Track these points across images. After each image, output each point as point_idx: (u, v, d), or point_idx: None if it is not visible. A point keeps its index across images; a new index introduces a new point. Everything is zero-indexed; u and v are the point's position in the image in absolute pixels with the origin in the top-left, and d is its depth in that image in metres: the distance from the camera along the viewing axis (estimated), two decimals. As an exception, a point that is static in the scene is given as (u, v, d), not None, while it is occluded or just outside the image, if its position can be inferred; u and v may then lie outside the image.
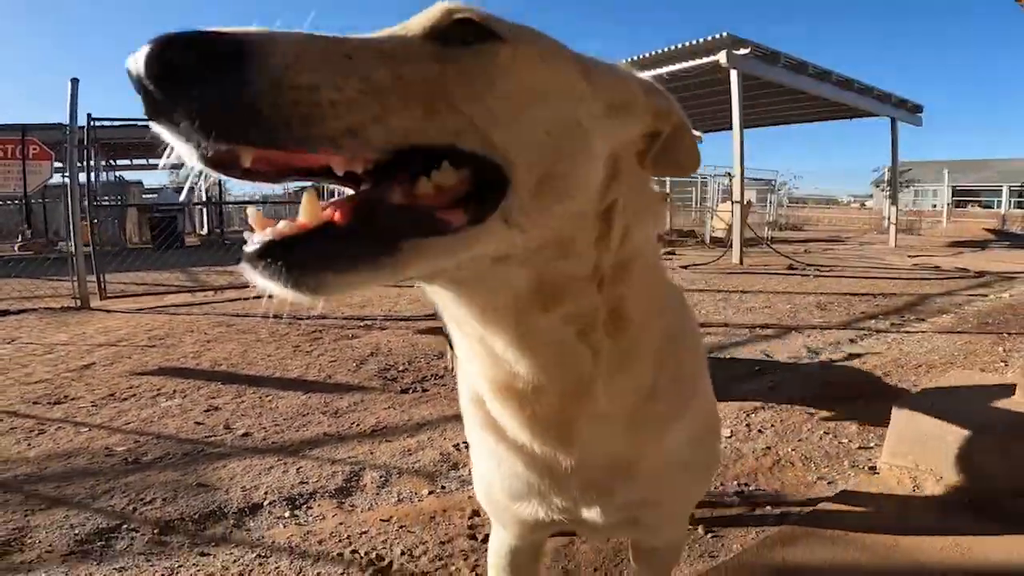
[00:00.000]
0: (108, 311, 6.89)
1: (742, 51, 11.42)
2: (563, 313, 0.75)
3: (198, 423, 3.23)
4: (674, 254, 12.01)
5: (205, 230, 18.47)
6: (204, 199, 17.33)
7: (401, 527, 2.24)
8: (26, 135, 7.94)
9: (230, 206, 18.04)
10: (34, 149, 7.82)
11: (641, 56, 12.89)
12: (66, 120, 7.32)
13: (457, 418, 3.00)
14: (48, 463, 2.72)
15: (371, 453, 2.88)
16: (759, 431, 3.12)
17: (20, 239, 12.31)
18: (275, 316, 5.48)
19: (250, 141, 0.52)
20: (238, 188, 24.91)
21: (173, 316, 6.44)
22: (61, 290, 7.97)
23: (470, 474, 2.70)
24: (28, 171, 7.78)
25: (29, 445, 2.94)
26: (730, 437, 3.05)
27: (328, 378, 4.03)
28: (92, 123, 7.55)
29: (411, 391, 3.80)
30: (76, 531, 2.13)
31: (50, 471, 2.64)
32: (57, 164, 8.59)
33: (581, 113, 0.71)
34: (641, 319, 0.82)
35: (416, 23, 0.65)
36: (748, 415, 3.33)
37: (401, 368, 4.28)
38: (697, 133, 0.92)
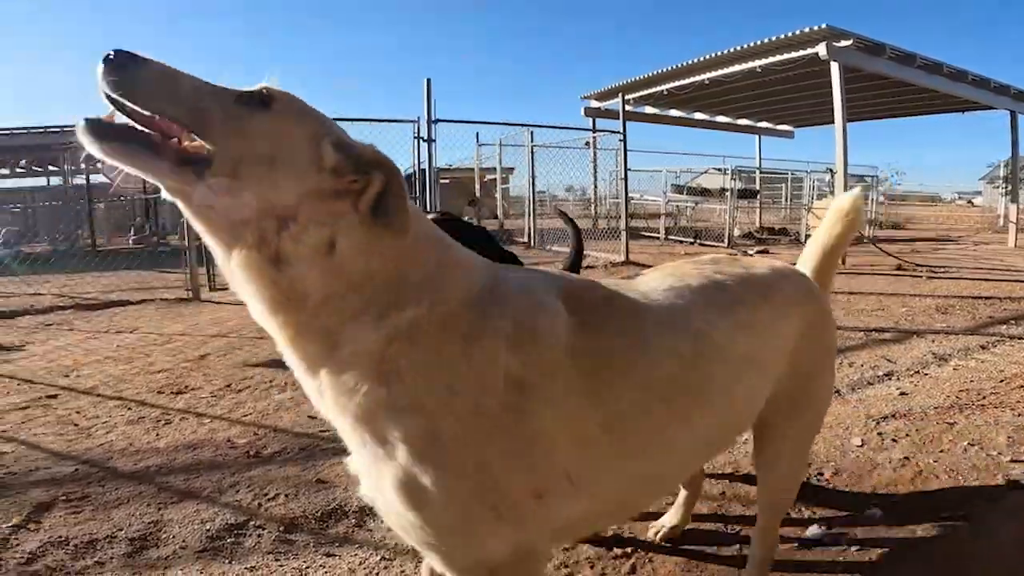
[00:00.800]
0: (217, 302, 7.22)
1: (843, 43, 10.82)
2: (255, 266, 0.99)
3: (311, 417, 3.28)
4: (768, 253, 11.49)
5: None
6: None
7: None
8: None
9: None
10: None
11: (733, 50, 12.44)
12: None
13: None
14: (176, 454, 2.82)
15: None
16: (893, 440, 2.89)
17: (134, 233, 13.15)
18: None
19: (132, 98, 0.93)
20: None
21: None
22: (174, 282, 8.44)
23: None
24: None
25: (158, 435, 3.07)
26: (861, 446, 2.83)
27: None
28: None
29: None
30: (207, 526, 2.18)
31: (179, 462, 2.74)
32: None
33: (283, 155, 0.99)
34: (319, 302, 1.00)
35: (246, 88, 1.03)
36: (878, 423, 3.09)
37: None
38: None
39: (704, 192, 16.30)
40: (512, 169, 16.94)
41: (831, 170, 12.88)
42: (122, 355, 4.81)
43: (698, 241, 13.36)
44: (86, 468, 2.67)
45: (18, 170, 21.25)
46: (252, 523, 2.21)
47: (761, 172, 19.44)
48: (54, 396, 3.77)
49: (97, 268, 9.66)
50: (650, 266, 8.68)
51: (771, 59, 11.77)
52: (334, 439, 2.81)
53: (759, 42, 11.87)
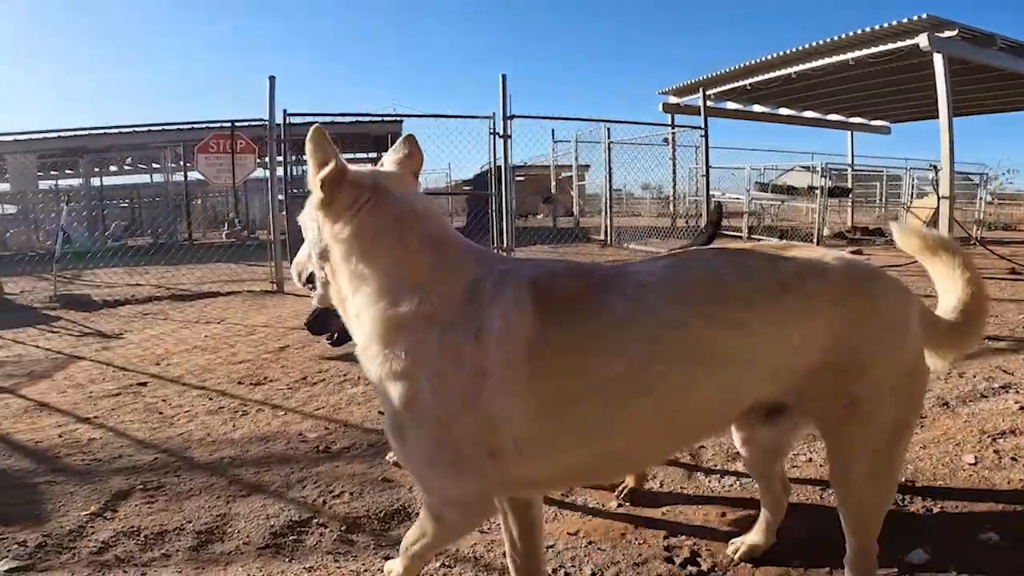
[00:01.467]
0: (299, 295, 7.45)
1: (947, 33, 10.07)
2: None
3: (381, 412, 3.30)
4: (862, 254, 10.78)
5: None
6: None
7: (590, 543, 2.08)
8: (235, 130, 8.74)
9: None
10: (241, 143, 8.60)
11: (823, 42, 11.82)
12: (265, 116, 8.01)
13: None
14: (249, 446, 2.89)
15: None
16: (1012, 459, 2.60)
17: (227, 227, 13.84)
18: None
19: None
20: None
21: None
22: (260, 275, 8.81)
23: (662, 487, 2.51)
24: (236, 164, 8.57)
25: (234, 426, 3.16)
26: (974, 464, 2.56)
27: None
28: (288, 119, 8.15)
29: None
30: (271, 522, 2.20)
31: (251, 455, 2.80)
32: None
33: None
34: (344, 297, 1.43)
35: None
36: (994, 440, 2.79)
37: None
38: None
39: (791, 190, 15.51)
40: (587, 166, 16.72)
41: (935, 167, 12.02)
42: (209, 345, 5.03)
43: (784, 241, 12.76)
44: (165, 457, 2.77)
45: (125, 167, 22.82)
46: (315, 521, 2.22)
47: (854, 169, 18.39)
48: (144, 384, 3.96)
49: (192, 260, 10.19)
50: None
51: (866, 51, 11.18)
52: None
53: (853, 33, 11.28)
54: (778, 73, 13.37)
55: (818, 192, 12.94)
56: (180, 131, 13.85)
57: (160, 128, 13.72)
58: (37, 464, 2.73)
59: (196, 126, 9.86)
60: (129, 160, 21.71)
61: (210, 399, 3.62)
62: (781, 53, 12.95)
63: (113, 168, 22.77)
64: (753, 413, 1.54)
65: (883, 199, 19.74)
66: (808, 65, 12.56)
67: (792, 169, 18.90)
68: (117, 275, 9.96)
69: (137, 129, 13.58)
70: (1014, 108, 16.63)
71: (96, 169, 21.20)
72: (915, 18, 10.09)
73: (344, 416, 3.28)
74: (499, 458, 1.31)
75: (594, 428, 1.34)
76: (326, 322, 3.01)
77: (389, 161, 1.57)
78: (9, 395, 3.80)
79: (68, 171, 21.70)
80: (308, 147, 1.37)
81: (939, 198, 10.59)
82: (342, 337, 2.98)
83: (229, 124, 8.60)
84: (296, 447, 2.88)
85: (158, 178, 21.29)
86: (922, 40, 10.08)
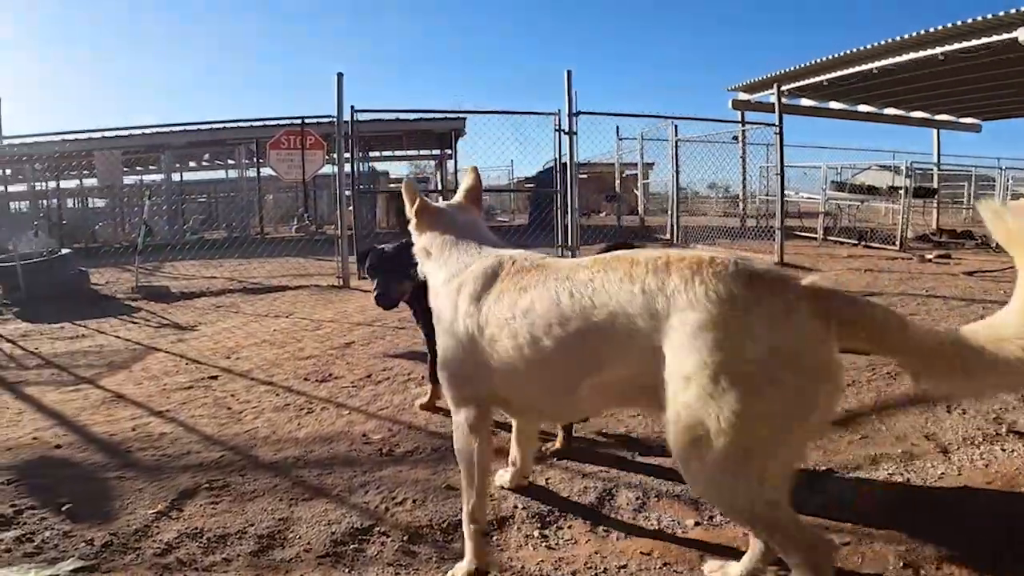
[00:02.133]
0: (364, 291, 7.53)
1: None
2: None
3: (446, 414, 3.24)
4: (950, 259, 10.08)
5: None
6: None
7: (665, 564, 1.95)
8: (304, 127, 8.89)
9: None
10: (311, 139, 8.76)
11: (909, 36, 11.15)
12: (333, 113, 8.11)
13: None
14: (313, 446, 2.87)
15: (625, 467, 2.61)
16: None
17: (296, 222, 14.16)
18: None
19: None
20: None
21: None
22: (328, 269, 8.96)
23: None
24: (306, 160, 8.74)
25: (299, 424, 3.16)
26: None
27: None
28: (355, 115, 8.24)
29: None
30: (333, 529, 2.15)
31: (314, 455, 2.78)
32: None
33: None
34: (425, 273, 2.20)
35: None
36: None
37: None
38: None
39: (871, 190, 14.72)
40: (652, 164, 16.34)
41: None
42: (277, 339, 5.11)
43: (863, 243, 12.11)
44: (231, 455, 2.78)
45: (203, 164, 23.78)
46: (377, 529, 2.16)
47: (940, 169, 17.36)
48: (215, 377, 4.04)
49: (263, 254, 10.48)
50: (808, 268, 7.88)
51: (957, 45, 10.43)
52: None
53: (942, 27, 10.57)
54: (859, 69, 12.69)
55: (901, 192, 12.23)
56: (253, 128, 14.30)
57: (234, 125, 14.21)
58: (110, 458, 2.78)
59: (268, 123, 10.08)
60: (206, 156, 22.61)
61: (277, 395, 3.65)
62: (862, 48, 12.28)
63: (192, 164, 23.78)
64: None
65: (972, 200, 18.60)
66: (892, 60, 11.88)
67: (868, 168, 18.00)
68: (194, 267, 10.34)
69: (214, 126, 14.07)
70: None
71: (176, 165, 22.19)
72: (1013, 11, 9.39)
73: (408, 418, 3.23)
74: (476, 378, 1.91)
75: (514, 374, 1.81)
76: (391, 289, 3.06)
77: (460, 189, 2.42)
78: (90, 385, 3.94)
79: (151, 167, 22.81)
80: (404, 192, 2.26)
81: (1038, 199, 9.82)
82: (388, 298, 3.05)
83: (299, 120, 8.74)
84: (359, 449, 2.85)
85: (233, 174, 22.14)
86: (1020, 34, 9.38)
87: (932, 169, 16.88)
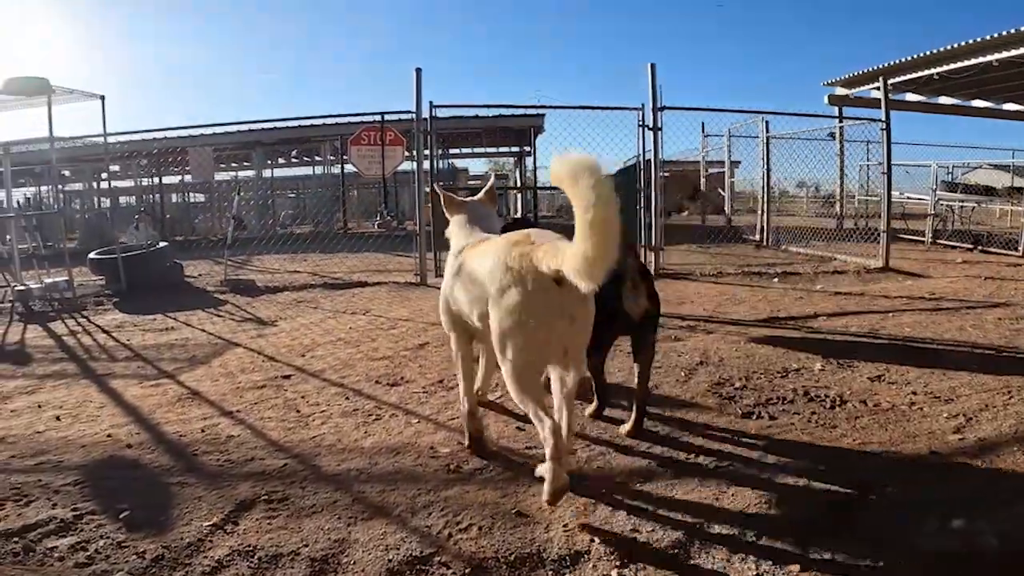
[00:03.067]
0: (440, 288, 7.47)
1: None
2: None
3: (519, 428, 3.03)
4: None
5: (519, 214, 19.75)
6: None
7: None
8: (384, 123, 8.91)
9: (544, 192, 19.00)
10: (390, 135, 8.76)
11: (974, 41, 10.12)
12: (412, 108, 8.06)
13: (835, 458, 2.37)
14: (378, 458, 2.73)
15: (717, 500, 2.33)
16: None
17: (379, 218, 14.40)
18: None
19: None
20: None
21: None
22: (406, 266, 8.98)
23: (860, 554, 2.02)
24: (386, 155, 8.76)
25: (366, 432, 3.03)
26: None
27: (655, 387, 3.59)
28: (433, 110, 8.18)
29: (755, 416, 3.16)
30: (390, 556, 1.98)
31: (379, 469, 2.63)
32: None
33: None
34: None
35: None
36: None
37: (738, 384, 3.67)
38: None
39: (988, 191, 13.45)
40: (738, 162, 15.57)
41: None
42: (352, 337, 5.07)
43: (979, 247, 11.04)
44: (294, 464, 2.67)
45: (292, 160, 24.66)
46: (438, 559, 1.97)
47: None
48: (288, 376, 4.00)
49: (345, 249, 10.66)
50: (915, 274, 7.20)
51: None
52: (542, 459, 2.53)
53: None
54: (975, 61, 11.60)
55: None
56: (338, 125, 14.61)
57: (320, 122, 14.55)
58: (176, 461, 2.74)
59: (351, 119, 10.20)
60: (295, 153, 23.42)
61: (347, 398, 3.55)
62: (980, 39, 11.22)
63: (281, 160, 24.72)
64: None
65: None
66: (1016, 51, 10.76)
67: (979, 167, 16.57)
68: (280, 261, 10.65)
69: (302, 123, 14.47)
70: None
71: (268, 161, 23.11)
72: None
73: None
74: (468, 318, 2.56)
75: (460, 303, 2.61)
76: None
77: (482, 191, 3.16)
78: (170, 381, 3.98)
79: (245, 163, 23.87)
80: (439, 193, 3.10)
81: None
82: None
83: (379, 116, 8.77)
84: (426, 463, 2.68)
85: (321, 171, 22.84)
86: None
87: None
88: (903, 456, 2.71)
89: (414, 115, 8.03)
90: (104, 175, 18.00)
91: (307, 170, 24.60)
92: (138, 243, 9.95)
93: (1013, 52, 10.81)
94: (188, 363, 4.41)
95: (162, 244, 9.29)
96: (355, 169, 9.97)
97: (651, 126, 8.23)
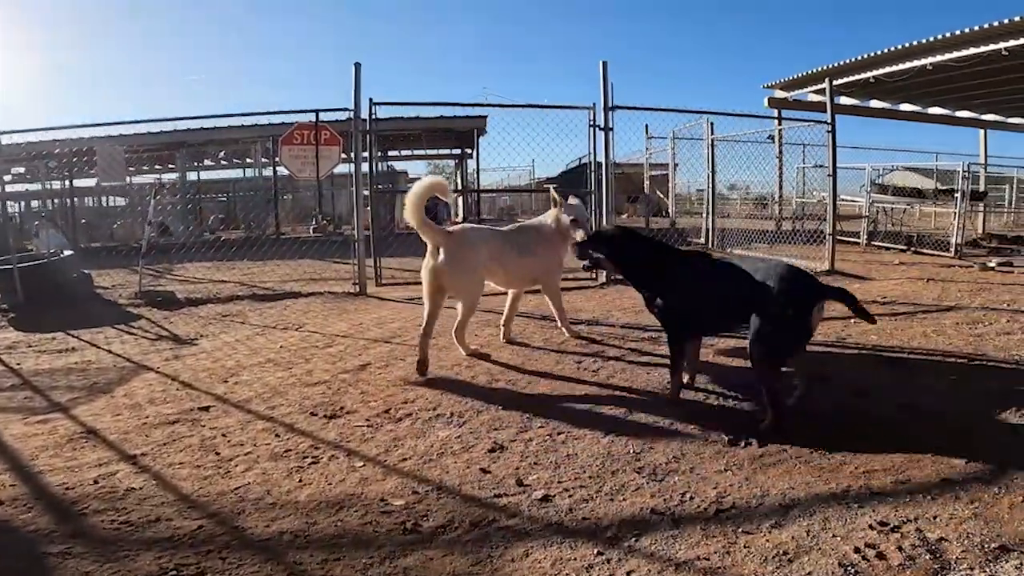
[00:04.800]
0: (382, 299, 6.95)
1: None
2: None
3: (483, 470, 2.60)
4: (1012, 266, 9.19)
5: (460, 216, 19.29)
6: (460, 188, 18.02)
7: None
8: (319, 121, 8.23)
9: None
10: (325, 134, 8.09)
11: (971, 30, 10.46)
12: (350, 106, 7.49)
13: (847, 493, 1.99)
14: (317, 515, 2.24)
15: (728, 554, 1.95)
16: None
17: (314, 223, 13.72)
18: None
19: None
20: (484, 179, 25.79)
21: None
22: (343, 273, 8.38)
23: None
24: (320, 156, 8.08)
25: (301, 481, 2.52)
26: None
27: (627, 413, 3.22)
28: (374, 108, 7.65)
29: (744, 443, 2.81)
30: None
31: (318, 530, 2.14)
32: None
33: None
34: None
35: None
36: None
37: (714, 403, 3.35)
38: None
39: (918, 193, 13.89)
40: (676, 165, 15.58)
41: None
42: (283, 358, 4.51)
43: (912, 248, 11.29)
44: (211, 526, 2.15)
45: (221, 162, 23.43)
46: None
47: (987, 171, 16.49)
48: (206, 408, 3.43)
49: (278, 256, 9.94)
50: (859, 276, 7.09)
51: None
52: (514, 510, 2.06)
53: (1009, 20, 9.82)
54: (911, 64, 11.91)
55: (957, 196, 11.38)
56: (271, 126, 13.79)
57: (251, 122, 13.72)
58: (58, 522, 2.18)
59: (285, 119, 9.47)
60: (223, 154, 22.25)
61: (277, 436, 3.02)
62: (916, 42, 11.51)
63: (209, 162, 23.45)
64: None
65: (1013, 204, 17.76)
66: (949, 56, 11.07)
67: (894, 170, 17.22)
68: (206, 270, 9.85)
69: (231, 123, 13.60)
70: None
71: (195, 163, 21.86)
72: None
73: (437, 473, 2.59)
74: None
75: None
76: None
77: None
78: (61, 415, 3.35)
79: (171, 165, 22.51)
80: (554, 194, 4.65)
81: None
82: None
83: (314, 114, 8.09)
84: (376, 521, 2.21)
85: (252, 173, 21.78)
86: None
87: (979, 171, 16.01)
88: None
89: (352, 113, 7.47)
90: (8, 177, 16.51)
91: (238, 172, 23.42)
92: (40, 251, 8.98)
93: (948, 56, 11.13)
94: (87, 392, 3.77)
95: (67, 252, 8.39)
96: (287, 171, 9.28)
97: (602, 126, 7.93)
